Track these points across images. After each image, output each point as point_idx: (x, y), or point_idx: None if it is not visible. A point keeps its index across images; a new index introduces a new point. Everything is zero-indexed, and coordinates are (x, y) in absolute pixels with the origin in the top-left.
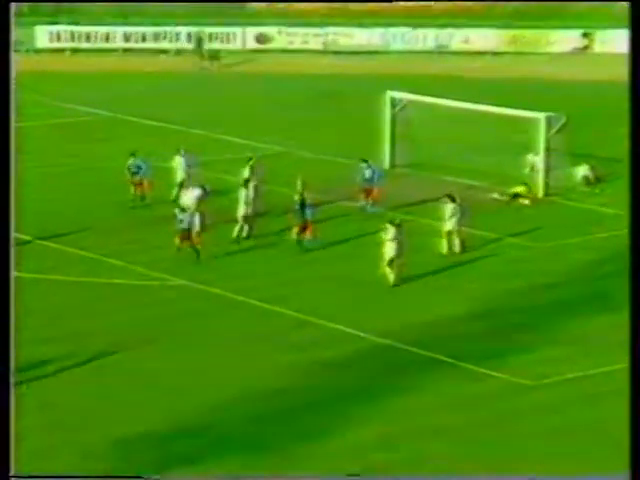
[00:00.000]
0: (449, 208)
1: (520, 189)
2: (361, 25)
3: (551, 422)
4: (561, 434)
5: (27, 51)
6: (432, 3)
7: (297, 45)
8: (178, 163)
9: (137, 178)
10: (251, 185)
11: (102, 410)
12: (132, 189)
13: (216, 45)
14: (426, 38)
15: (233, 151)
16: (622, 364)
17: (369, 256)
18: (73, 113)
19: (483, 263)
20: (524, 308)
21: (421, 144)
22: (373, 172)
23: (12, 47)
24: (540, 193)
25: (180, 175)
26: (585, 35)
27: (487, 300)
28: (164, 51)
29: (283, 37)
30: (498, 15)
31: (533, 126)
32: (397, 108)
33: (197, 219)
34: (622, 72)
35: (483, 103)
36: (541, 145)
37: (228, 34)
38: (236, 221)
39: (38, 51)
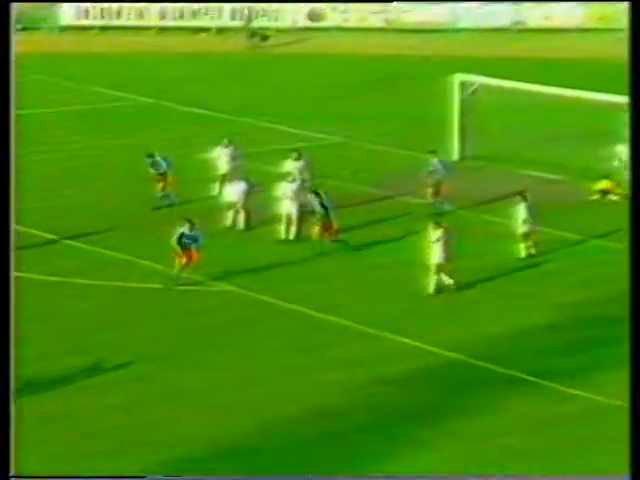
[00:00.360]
0: (521, 208)
1: (606, 184)
2: None
3: None
4: None
5: (50, 29)
6: None
7: (353, 23)
8: (221, 155)
9: (160, 174)
10: (297, 180)
11: (131, 431)
12: (159, 186)
13: (264, 23)
14: (500, 14)
15: (282, 141)
16: None
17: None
18: (101, 98)
19: (564, 267)
20: (611, 318)
21: (494, 133)
22: (441, 166)
23: (12, 47)
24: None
25: (223, 168)
26: None
27: (569, 309)
28: (204, 29)
29: (338, 14)
30: None
31: (622, 113)
32: (467, 93)
33: (242, 217)
34: None
35: (565, 87)
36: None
37: (277, 11)
38: (283, 220)
39: (62, 29)
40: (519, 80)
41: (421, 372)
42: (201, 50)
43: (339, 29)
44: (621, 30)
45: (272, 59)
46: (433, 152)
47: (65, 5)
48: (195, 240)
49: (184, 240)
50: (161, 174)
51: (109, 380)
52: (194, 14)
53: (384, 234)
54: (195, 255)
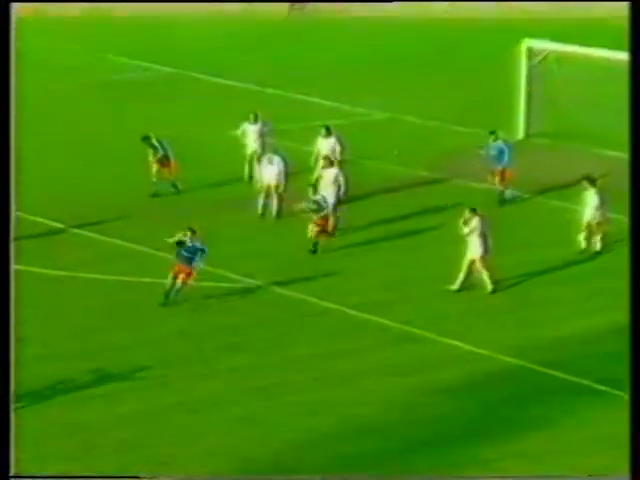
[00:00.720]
0: (590, 194)
1: None
2: None
3: None
4: None
5: None
6: None
7: None
8: (247, 132)
9: (159, 157)
10: (329, 161)
11: (143, 446)
12: (154, 170)
13: None
14: None
15: (321, 117)
16: None
17: (501, 254)
18: (115, 68)
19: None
20: None
21: (565, 107)
22: (504, 147)
23: (12, 47)
24: None
25: (250, 147)
26: None
27: None
28: None
29: None
30: None
31: None
32: (535, 61)
33: (275, 202)
34: None
35: None
36: None
37: None
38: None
39: None
40: (596, 46)
41: (475, 380)
42: (230, 13)
43: None
44: None
45: (310, 24)
46: (494, 132)
47: None
48: (194, 253)
49: (183, 252)
50: (159, 159)
51: (119, 387)
52: None
53: (435, 223)
54: (192, 270)
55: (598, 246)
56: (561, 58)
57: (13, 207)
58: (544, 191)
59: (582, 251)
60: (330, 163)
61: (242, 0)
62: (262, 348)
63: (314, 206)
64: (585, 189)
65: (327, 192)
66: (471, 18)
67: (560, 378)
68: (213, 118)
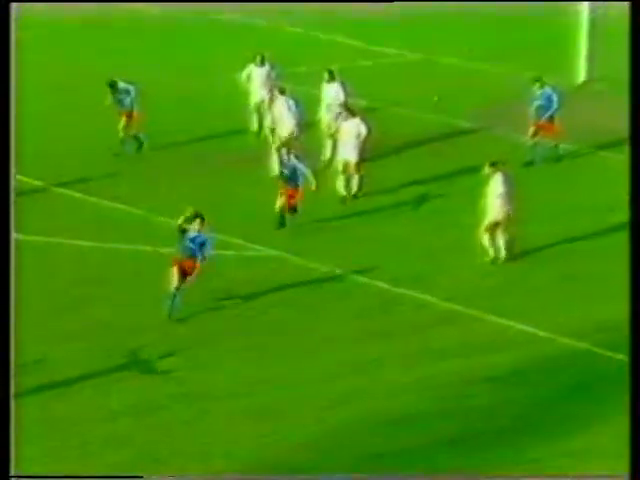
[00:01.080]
0: None
1: None
2: None
3: None
4: None
5: None
6: None
7: None
8: (253, 76)
9: (126, 108)
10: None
11: (143, 443)
12: (122, 122)
13: None
14: None
15: (345, 58)
16: None
17: (550, 219)
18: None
19: None
20: None
21: (622, 54)
22: (553, 95)
23: (12, 47)
24: None
25: (256, 95)
26: None
27: None
28: None
29: None
30: None
31: None
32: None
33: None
34: None
35: None
36: None
37: None
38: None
39: None
40: None
41: (530, 365)
42: None
43: None
44: None
45: None
46: (539, 80)
47: None
48: (202, 245)
49: (188, 244)
50: (127, 110)
51: (116, 377)
52: None
53: (475, 182)
54: (197, 266)
55: None
56: None
57: None
58: (603, 145)
59: None
60: (351, 113)
61: None
62: (283, 330)
63: (287, 173)
64: None
65: (347, 148)
66: None
67: (625, 362)
68: (216, 59)
